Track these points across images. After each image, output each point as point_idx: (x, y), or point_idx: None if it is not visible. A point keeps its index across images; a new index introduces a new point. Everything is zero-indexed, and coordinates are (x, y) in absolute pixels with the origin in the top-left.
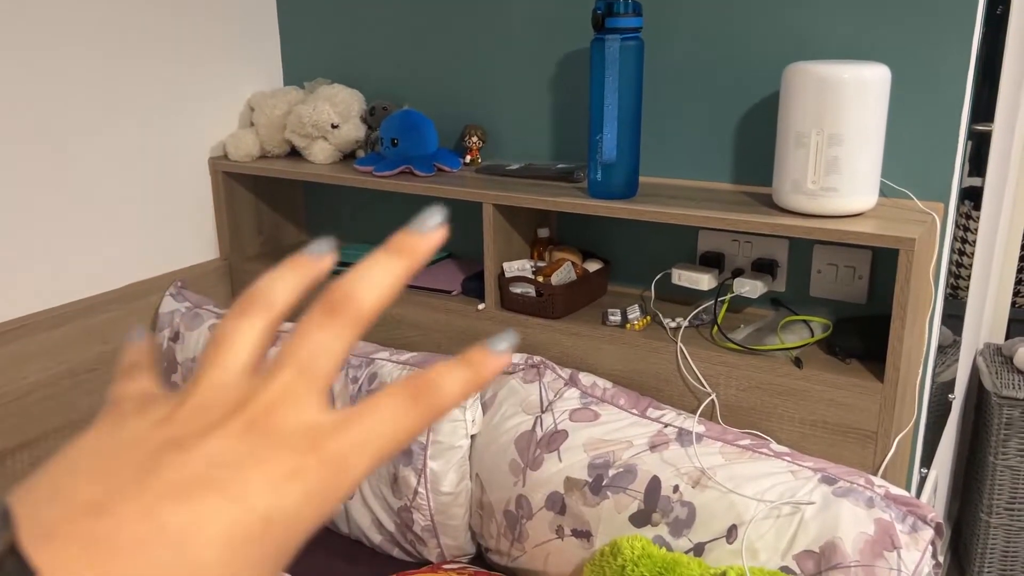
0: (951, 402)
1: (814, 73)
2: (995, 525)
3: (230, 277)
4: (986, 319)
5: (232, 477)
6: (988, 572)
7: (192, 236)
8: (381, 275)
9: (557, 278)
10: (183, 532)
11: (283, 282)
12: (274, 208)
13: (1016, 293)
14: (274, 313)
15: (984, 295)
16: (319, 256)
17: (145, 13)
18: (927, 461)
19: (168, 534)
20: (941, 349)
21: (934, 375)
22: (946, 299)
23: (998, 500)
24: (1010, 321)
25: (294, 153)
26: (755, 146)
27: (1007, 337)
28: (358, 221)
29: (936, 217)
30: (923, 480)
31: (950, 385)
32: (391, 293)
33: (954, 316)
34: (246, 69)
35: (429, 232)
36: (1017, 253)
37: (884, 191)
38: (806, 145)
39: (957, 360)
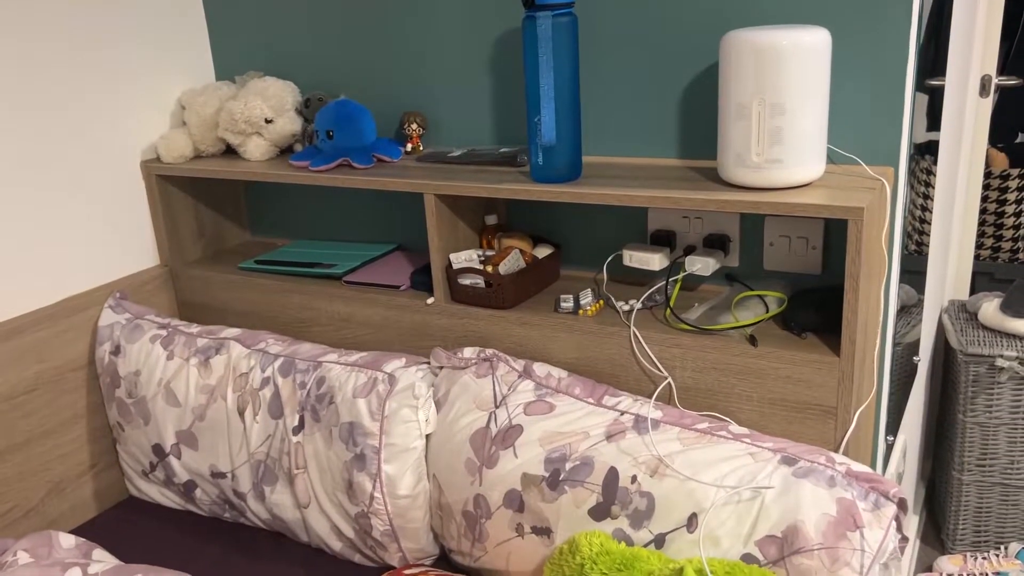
0: (916, 364)
1: (751, 41)
2: (967, 482)
3: (172, 284)
4: (950, 275)
5: None
6: (963, 528)
7: (129, 244)
8: None
9: (505, 267)
10: None
11: None
12: (214, 209)
13: (979, 246)
14: None
15: (946, 251)
16: None
17: (64, 12)
18: (893, 428)
19: None
20: (905, 309)
21: (895, 340)
22: (909, 256)
23: (968, 457)
24: (974, 275)
25: (230, 151)
26: (699, 119)
27: (971, 292)
28: (303, 217)
29: (886, 182)
30: (890, 448)
31: (915, 347)
32: None
33: (917, 273)
34: (175, 66)
35: None
36: (977, 206)
37: (833, 158)
38: (747, 116)
39: (921, 319)
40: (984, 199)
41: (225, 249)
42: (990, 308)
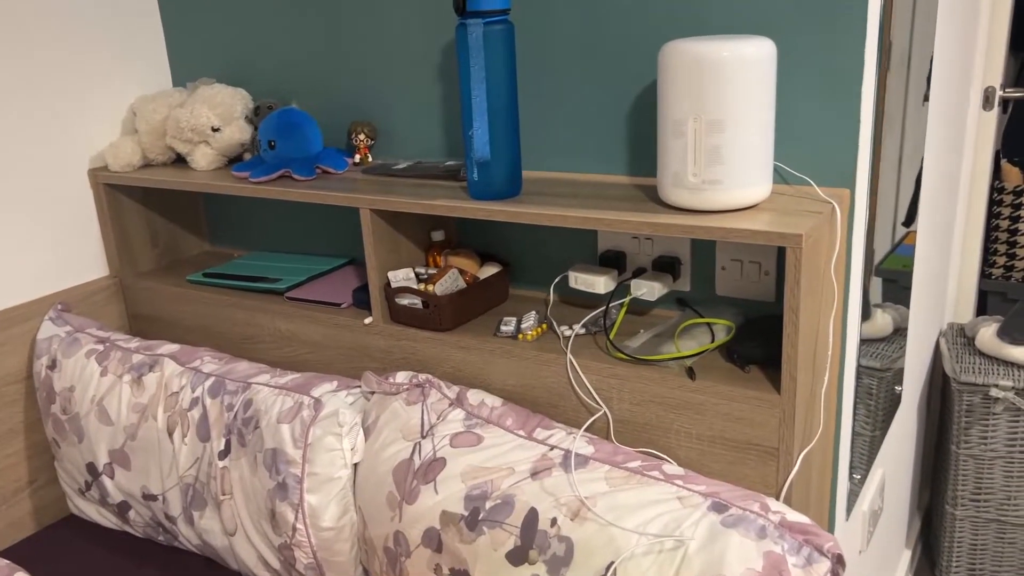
0: (899, 394)
1: (689, 52)
2: (960, 517)
3: (123, 295)
4: (950, 296)
5: None
6: (956, 566)
7: (76, 254)
8: None
9: (442, 287)
10: None
11: None
12: (170, 218)
13: (991, 264)
14: None
15: (944, 271)
16: None
17: (10, 11)
18: (866, 463)
19: None
20: (900, 332)
21: (883, 367)
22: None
23: (962, 491)
24: (986, 293)
25: (180, 160)
26: (645, 135)
27: (983, 312)
28: (261, 228)
29: (836, 205)
30: (860, 483)
31: (899, 375)
32: None
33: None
34: (129, 71)
35: None
36: (982, 224)
37: (785, 178)
38: (684, 134)
39: (908, 346)
40: (996, 215)
41: (182, 260)
42: (987, 333)
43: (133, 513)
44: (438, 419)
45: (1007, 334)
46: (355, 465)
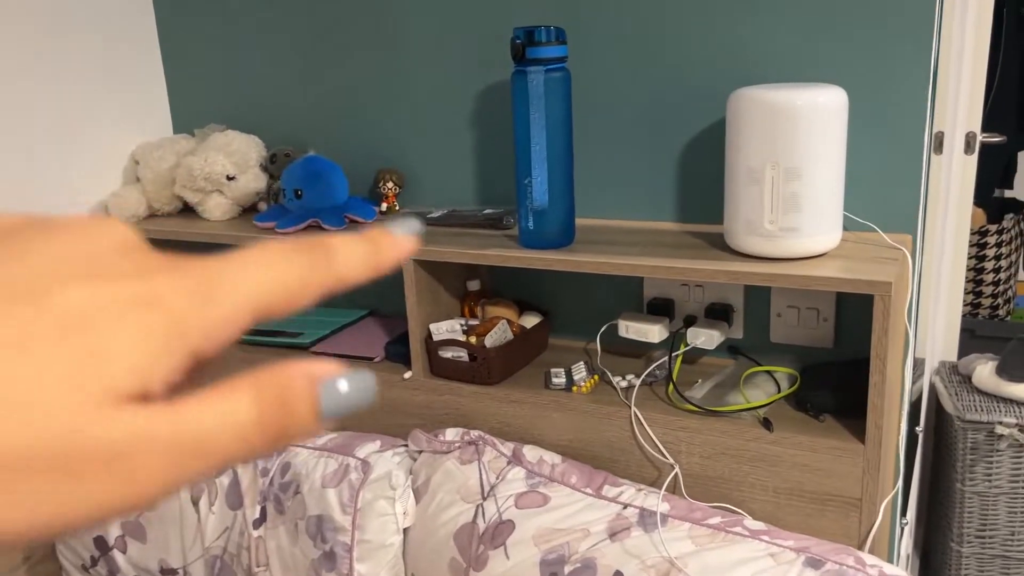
0: (918, 435)
1: (763, 100)
2: (967, 554)
3: None
4: (938, 336)
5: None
6: None
7: None
8: (355, 249)
9: (492, 339)
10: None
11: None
12: None
13: (976, 305)
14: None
15: (930, 311)
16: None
17: (9, 56)
18: (905, 507)
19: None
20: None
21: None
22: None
23: (968, 528)
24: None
25: (187, 209)
26: (700, 181)
27: (960, 353)
28: None
29: (906, 252)
30: (902, 531)
31: (915, 416)
32: (359, 270)
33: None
34: (129, 118)
35: (400, 236)
36: (964, 263)
37: (847, 225)
38: (760, 181)
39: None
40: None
41: None
42: (985, 371)
43: None
44: (498, 478)
45: (1006, 372)
46: (405, 530)
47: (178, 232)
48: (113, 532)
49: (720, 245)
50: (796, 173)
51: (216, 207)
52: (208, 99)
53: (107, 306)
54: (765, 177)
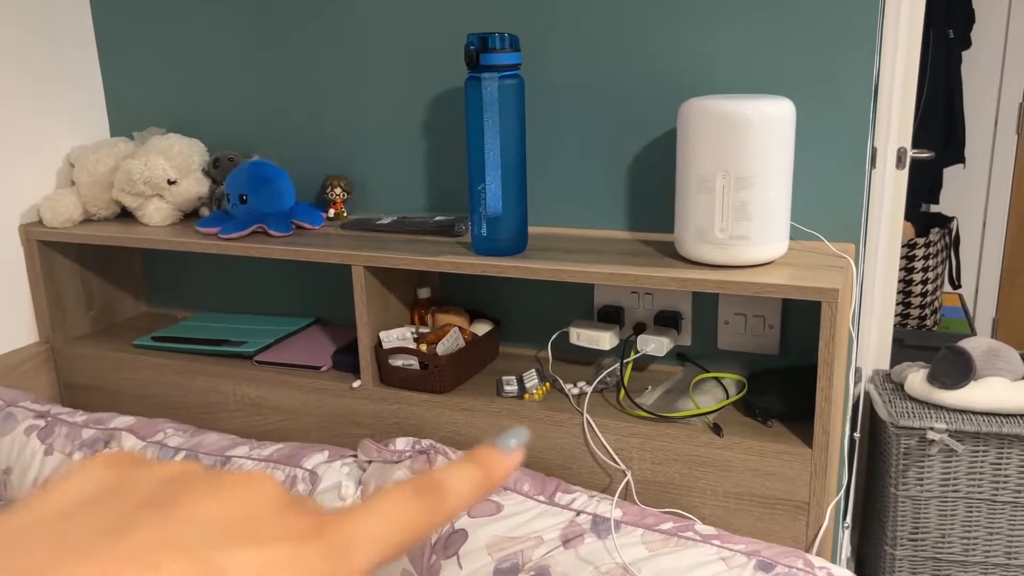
0: (856, 441)
1: (715, 110)
2: (900, 557)
3: (54, 363)
4: (872, 345)
5: (216, 544)
6: None
7: (4, 318)
8: (465, 478)
9: (443, 347)
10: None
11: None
12: (106, 278)
13: (906, 316)
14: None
15: (869, 321)
16: (514, 452)
17: None
18: (846, 513)
19: None
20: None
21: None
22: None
23: (901, 532)
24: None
25: (125, 214)
26: (651, 190)
27: (892, 362)
28: (206, 287)
29: (850, 260)
30: (843, 534)
31: (852, 422)
32: (472, 499)
33: None
34: (64, 120)
35: (511, 451)
36: (896, 276)
37: (792, 234)
38: (711, 189)
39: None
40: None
41: (117, 323)
42: (917, 379)
43: None
44: None
45: (936, 379)
46: None
47: (116, 238)
48: None
49: (671, 253)
50: (746, 182)
51: (156, 212)
52: (148, 101)
53: (263, 570)
54: (716, 185)
